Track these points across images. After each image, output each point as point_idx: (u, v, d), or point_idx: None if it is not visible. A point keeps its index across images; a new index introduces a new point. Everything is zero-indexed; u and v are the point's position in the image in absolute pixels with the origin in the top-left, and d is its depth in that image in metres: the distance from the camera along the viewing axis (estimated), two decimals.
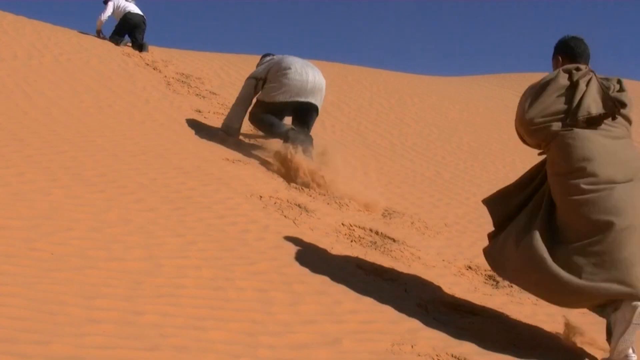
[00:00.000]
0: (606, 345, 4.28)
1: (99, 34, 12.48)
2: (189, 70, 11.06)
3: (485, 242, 4.81)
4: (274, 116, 7.41)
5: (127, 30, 12.23)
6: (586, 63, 4.49)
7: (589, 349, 4.55)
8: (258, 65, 8.04)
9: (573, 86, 4.31)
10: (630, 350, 4.05)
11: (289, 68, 7.37)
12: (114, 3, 12.44)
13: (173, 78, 10.33)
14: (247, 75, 8.19)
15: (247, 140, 8.13)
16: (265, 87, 7.48)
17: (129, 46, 12.05)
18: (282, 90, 7.32)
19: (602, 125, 4.29)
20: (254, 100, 7.69)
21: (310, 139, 7.25)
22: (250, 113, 7.73)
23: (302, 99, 7.33)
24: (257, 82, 7.61)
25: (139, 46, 12.07)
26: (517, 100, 4.59)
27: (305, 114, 7.44)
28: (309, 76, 7.37)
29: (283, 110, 7.47)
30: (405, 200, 7.49)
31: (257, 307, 4.29)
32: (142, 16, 12.38)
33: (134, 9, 12.42)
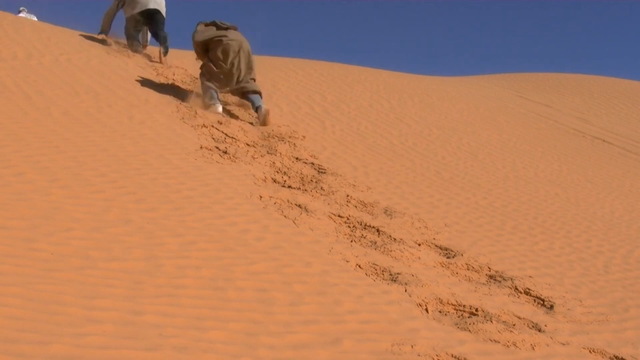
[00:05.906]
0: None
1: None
2: (191, 69, 11.04)
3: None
4: (135, 29, 11.01)
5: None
6: None
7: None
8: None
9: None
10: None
11: None
12: None
13: (174, 79, 10.32)
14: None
15: (246, 140, 8.14)
16: (125, 7, 10.90)
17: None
18: (133, 5, 10.75)
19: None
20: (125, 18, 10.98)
21: (164, 36, 10.89)
22: (125, 30, 11.07)
23: (150, 7, 10.75)
24: (118, 1, 11.04)
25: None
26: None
27: (152, 17, 10.85)
28: None
29: (139, 20, 10.87)
30: (405, 200, 7.49)
31: (257, 307, 4.29)
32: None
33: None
